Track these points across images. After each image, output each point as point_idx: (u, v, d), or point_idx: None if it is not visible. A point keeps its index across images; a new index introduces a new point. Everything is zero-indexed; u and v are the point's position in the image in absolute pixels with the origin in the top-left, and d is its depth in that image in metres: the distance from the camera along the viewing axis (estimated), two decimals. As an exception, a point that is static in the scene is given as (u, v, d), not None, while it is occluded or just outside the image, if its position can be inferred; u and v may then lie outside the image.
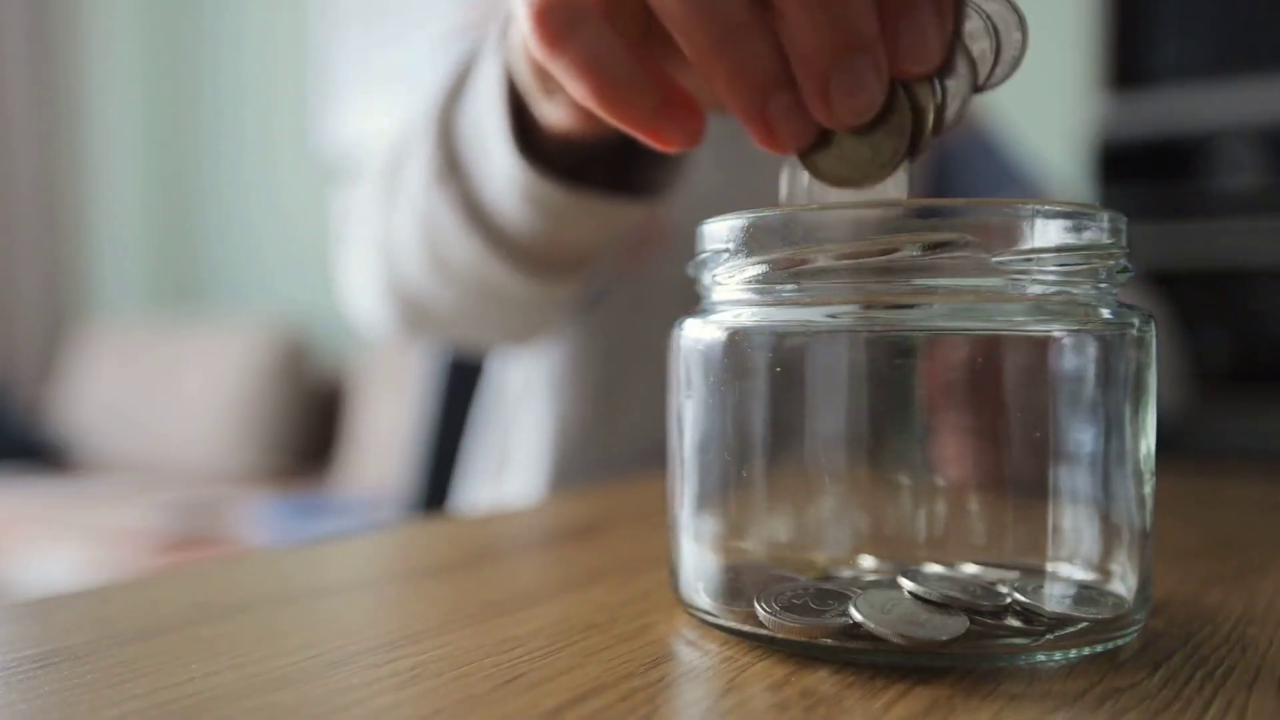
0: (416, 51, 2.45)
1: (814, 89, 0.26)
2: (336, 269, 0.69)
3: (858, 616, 0.23)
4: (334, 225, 2.58)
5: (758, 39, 0.26)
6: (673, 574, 0.28)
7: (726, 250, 0.27)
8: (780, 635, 0.24)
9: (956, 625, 0.23)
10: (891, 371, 0.25)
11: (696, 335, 0.27)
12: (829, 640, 0.24)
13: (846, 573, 0.27)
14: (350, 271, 0.65)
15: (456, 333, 0.63)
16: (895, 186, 0.27)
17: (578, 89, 0.29)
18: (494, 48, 0.43)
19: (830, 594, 0.25)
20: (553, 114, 0.39)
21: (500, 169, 0.44)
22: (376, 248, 0.59)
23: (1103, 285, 0.26)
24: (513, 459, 0.71)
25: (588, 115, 0.36)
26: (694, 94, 0.31)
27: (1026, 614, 0.24)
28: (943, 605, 0.24)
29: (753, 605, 0.25)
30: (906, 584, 0.25)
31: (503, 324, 0.59)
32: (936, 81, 0.27)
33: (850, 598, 0.25)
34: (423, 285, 0.56)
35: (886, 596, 0.24)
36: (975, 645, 0.23)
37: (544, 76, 0.37)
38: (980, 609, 0.24)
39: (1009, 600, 0.24)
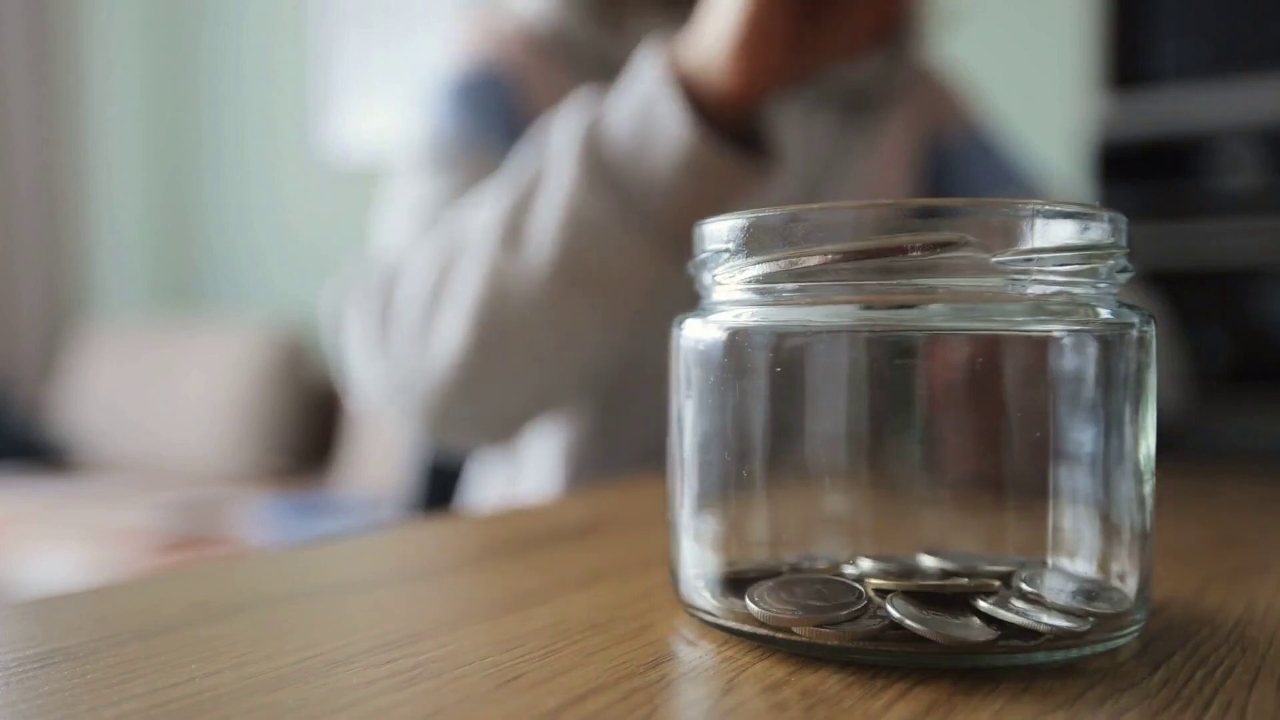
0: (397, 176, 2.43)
1: None
2: (343, 369, 0.67)
3: (895, 615, 0.23)
4: (329, 317, 2.58)
5: None
6: (673, 574, 0.28)
7: (726, 250, 0.27)
8: (781, 636, 0.24)
9: (990, 628, 0.23)
10: (891, 371, 0.25)
11: (696, 335, 0.27)
12: (831, 640, 0.24)
13: (846, 572, 0.27)
14: (360, 385, 0.65)
15: (491, 407, 0.61)
16: None
17: None
18: (653, 54, 0.53)
19: (832, 593, 0.25)
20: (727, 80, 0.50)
21: (671, 143, 0.51)
22: (397, 380, 0.60)
23: (1103, 285, 0.26)
24: (523, 474, 0.71)
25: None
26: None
27: (1028, 613, 0.24)
28: (959, 605, 0.24)
29: (753, 605, 0.25)
30: (916, 585, 0.25)
31: (554, 383, 0.59)
32: None
33: (857, 596, 0.25)
34: (475, 365, 0.56)
35: (906, 596, 0.24)
36: (977, 645, 0.23)
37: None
38: (992, 609, 0.24)
39: (1012, 600, 0.24)
